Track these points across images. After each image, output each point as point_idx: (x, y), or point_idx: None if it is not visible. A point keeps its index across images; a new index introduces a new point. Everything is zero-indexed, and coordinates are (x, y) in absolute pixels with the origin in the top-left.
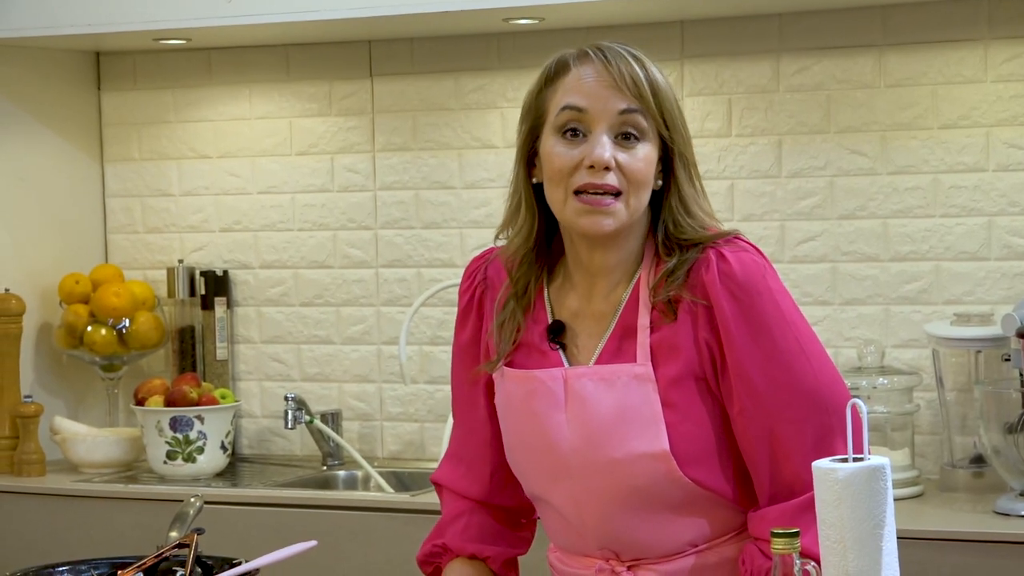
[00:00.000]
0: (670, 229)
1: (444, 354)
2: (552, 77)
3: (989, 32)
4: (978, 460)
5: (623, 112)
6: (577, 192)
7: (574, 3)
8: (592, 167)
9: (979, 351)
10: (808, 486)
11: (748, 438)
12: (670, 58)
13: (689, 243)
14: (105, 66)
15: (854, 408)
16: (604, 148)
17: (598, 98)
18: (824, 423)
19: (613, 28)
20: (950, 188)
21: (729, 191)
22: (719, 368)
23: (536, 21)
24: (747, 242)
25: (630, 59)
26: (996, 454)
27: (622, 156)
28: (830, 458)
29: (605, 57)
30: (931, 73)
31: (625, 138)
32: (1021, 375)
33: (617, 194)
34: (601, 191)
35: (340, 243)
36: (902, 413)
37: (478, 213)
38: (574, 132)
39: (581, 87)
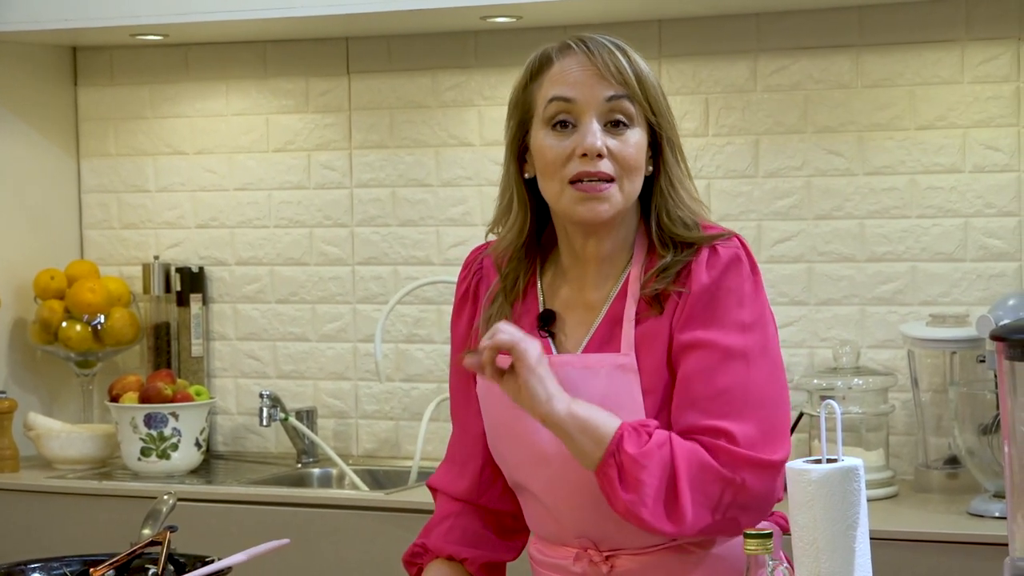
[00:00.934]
0: (664, 220)
1: (420, 352)
2: (537, 71)
3: (966, 33)
4: (952, 461)
5: (610, 99)
6: (572, 182)
7: (552, 1)
8: (585, 155)
9: (954, 352)
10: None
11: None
12: (648, 57)
13: (686, 242)
14: (82, 61)
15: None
16: (595, 136)
17: (585, 87)
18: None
19: (590, 27)
20: (927, 189)
21: (706, 191)
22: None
23: (514, 19)
24: (742, 244)
25: (613, 48)
26: (970, 455)
27: (613, 143)
28: (803, 459)
29: (588, 48)
30: (908, 74)
31: (614, 125)
32: (995, 377)
33: (611, 180)
34: (596, 178)
35: (316, 240)
36: (877, 414)
37: (455, 211)
38: (563, 123)
39: (567, 78)
